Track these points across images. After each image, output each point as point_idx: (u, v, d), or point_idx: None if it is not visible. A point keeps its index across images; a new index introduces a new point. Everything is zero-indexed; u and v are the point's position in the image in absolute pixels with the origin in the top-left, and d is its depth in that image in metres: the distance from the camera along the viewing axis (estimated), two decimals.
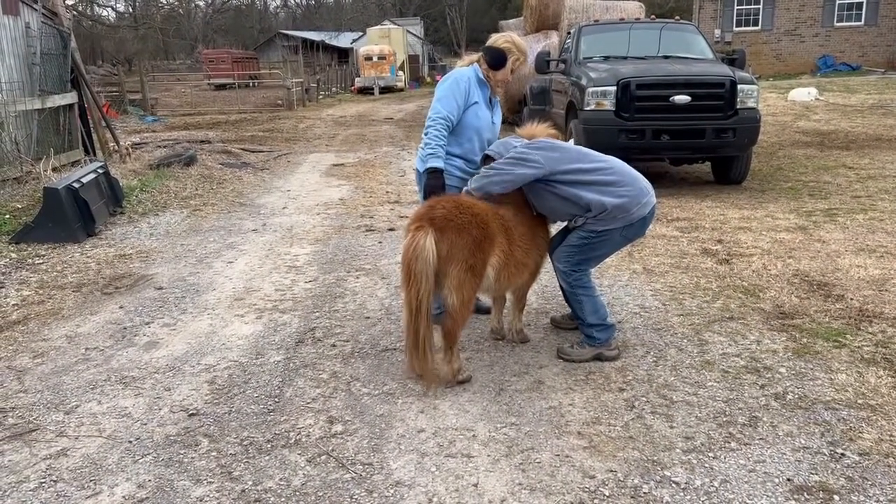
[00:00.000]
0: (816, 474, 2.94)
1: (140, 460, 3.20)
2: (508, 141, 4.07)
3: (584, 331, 4.09)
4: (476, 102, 4.23)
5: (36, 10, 10.37)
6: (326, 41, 53.91)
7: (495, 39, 4.33)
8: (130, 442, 3.36)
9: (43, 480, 3.07)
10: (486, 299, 4.82)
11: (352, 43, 50.42)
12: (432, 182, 4.09)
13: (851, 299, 4.89)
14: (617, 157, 4.06)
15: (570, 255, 4.02)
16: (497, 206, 3.87)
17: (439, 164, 4.10)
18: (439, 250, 3.49)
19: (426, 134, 4.16)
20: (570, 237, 4.03)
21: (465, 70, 4.30)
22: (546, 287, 5.39)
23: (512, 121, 16.13)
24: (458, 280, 3.55)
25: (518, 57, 4.26)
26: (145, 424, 3.52)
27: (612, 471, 3.01)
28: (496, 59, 4.24)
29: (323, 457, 3.19)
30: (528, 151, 3.83)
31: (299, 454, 3.22)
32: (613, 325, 4.14)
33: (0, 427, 3.53)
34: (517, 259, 3.87)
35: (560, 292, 5.27)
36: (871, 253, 5.91)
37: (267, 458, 3.19)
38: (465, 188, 4.05)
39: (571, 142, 4.59)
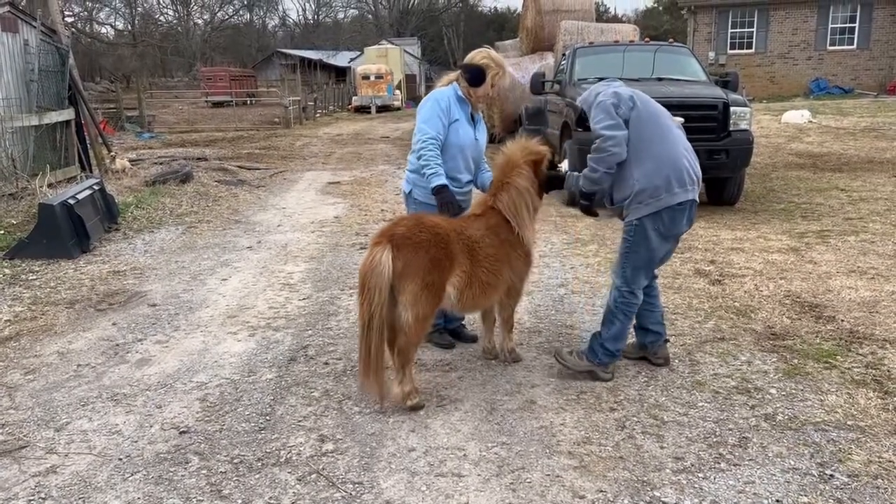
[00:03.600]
0: (806, 496, 2.95)
1: (130, 478, 3.19)
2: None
3: (593, 344, 4.09)
4: (457, 120, 4.26)
5: (35, 27, 10.44)
6: (324, 60, 54.17)
7: (472, 56, 4.36)
8: (120, 459, 3.35)
9: (31, 498, 3.06)
10: (471, 328, 4.84)
11: (349, 62, 50.72)
12: (442, 198, 4.10)
13: (842, 321, 4.91)
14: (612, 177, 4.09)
15: (623, 267, 4.02)
16: (464, 227, 3.92)
17: (442, 180, 4.12)
18: (395, 267, 3.54)
19: (421, 157, 4.17)
20: (619, 245, 4.10)
21: (444, 90, 4.33)
22: (539, 306, 5.41)
23: (507, 140, 16.22)
24: (413, 296, 3.59)
25: (497, 71, 4.26)
26: (136, 442, 3.52)
27: (602, 491, 3.01)
28: (475, 77, 4.25)
29: (313, 475, 3.18)
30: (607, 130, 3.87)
31: (290, 473, 3.21)
32: (620, 357, 4.17)
33: None
34: (481, 280, 3.89)
35: (554, 312, 5.29)
36: (862, 275, 5.94)
37: (257, 476, 3.19)
38: (576, 186, 4.11)
39: (565, 163, 4.60)
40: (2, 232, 7.47)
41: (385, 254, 3.53)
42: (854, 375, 4.05)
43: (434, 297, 3.68)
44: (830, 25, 27.86)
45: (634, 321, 4.30)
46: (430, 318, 3.78)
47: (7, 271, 6.53)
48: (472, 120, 4.41)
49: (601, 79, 9.61)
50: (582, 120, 4.34)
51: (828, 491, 2.97)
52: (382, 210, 9.61)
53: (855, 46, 27.84)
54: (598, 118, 3.92)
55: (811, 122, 17.88)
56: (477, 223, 4.01)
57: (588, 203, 4.12)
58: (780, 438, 3.40)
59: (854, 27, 27.70)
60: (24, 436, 3.60)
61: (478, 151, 4.45)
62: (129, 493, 3.08)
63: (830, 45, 28.06)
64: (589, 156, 3.95)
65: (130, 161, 12.82)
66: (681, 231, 4.07)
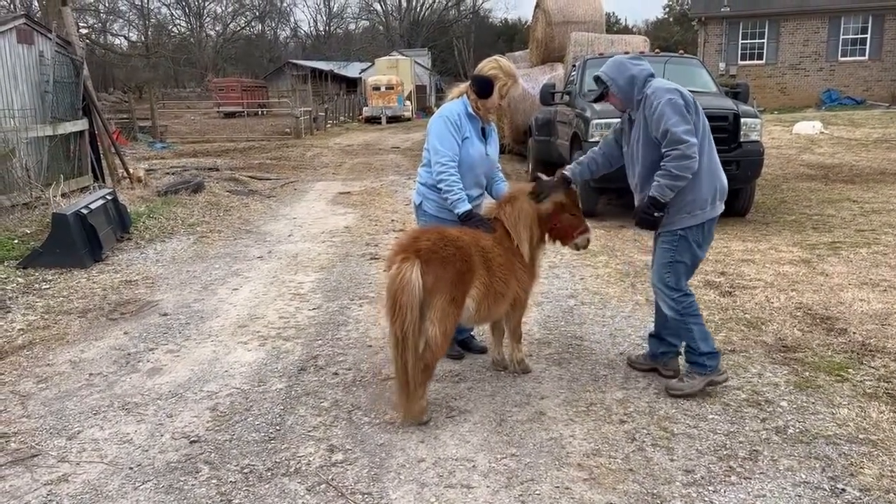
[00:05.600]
0: None
1: (140, 487, 3.21)
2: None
3: (695, 359, 3.99)
4: (467, 138, 4.24)
5: (50, 39, 10.56)
6: (335, 71, 54.46)
7: (481, 66, 4.31)
8: (131, 468, 3.37)
9: None
10: (480, 339, 4.84)
11: (360, 73, 50.97)
12: (472, 224, 4.09)
13: (854, 333, 4.88)
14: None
15: (667, 275, 3.97)
16: (479, 238, 3.93)
17: (467, 206, 4.14)
18: (425, 282, 3.51)
19: (441, 181, 4.15)
20: (658, 254, 4.03)
21: (454, 105, 4.28)
22: (548, 317, 5.40)
23: (518, 151, 16.25)
24: (442, 312, 3.57)
25: (505, 82, 4.20)
26: (147, 451, 3.54)
27: (611, 503, 3.00)
28: (483, 88, 4.21)
29: (322, 486, 3.19)
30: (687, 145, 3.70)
31: (299, 482, 3.22)
32: (720, 351, 4.10)
33: (2, 452, 3.55)
34: (496, 290, 3.90)
35: (564, 324, 5.28)
36: (874, 287, 5.91)
37: (267, 486, 3.20)
38: (654, 192, 3.81)
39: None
40: (16, 241, 7.54)
41: (415, 270, 3.49)
42: (866, 388, 4.03)
43: (458, 310, 3.68)
44: (842, 36, 27.80)
45: (656, 329, 4.30)
46: (454, 331, 3.79)
47: (21, 280, 6.58)
48: (483, 134, 4.38)
49: None
50: (602, 96, 4.11)
51: None
52: (392, 220, 9.64)
53: (866, 57, 27.76)
54: (672, 119, 3.74)
55: (823, 133, 17.82)
56: (486, 233, 4.03)
57: (662, 213, 3.88)
58: (792, 452, 3.38)
59: (866, 38, 27.62)
60: (37, 444, 3.63)
61: (488, 166, 4.42)
62: (139, 501, 3.10)
63: (842, 55, 27.99)
64: (670, 163, 3.72)
65: (145, 171, 12.92)
66: (712, 240, 4.09)
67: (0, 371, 4.61)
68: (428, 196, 4.39)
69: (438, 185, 4.19)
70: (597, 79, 4.10)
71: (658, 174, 3.80)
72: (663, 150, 3.78)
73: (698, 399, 3.95)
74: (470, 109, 4.28)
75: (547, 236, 4.28)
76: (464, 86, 4.40)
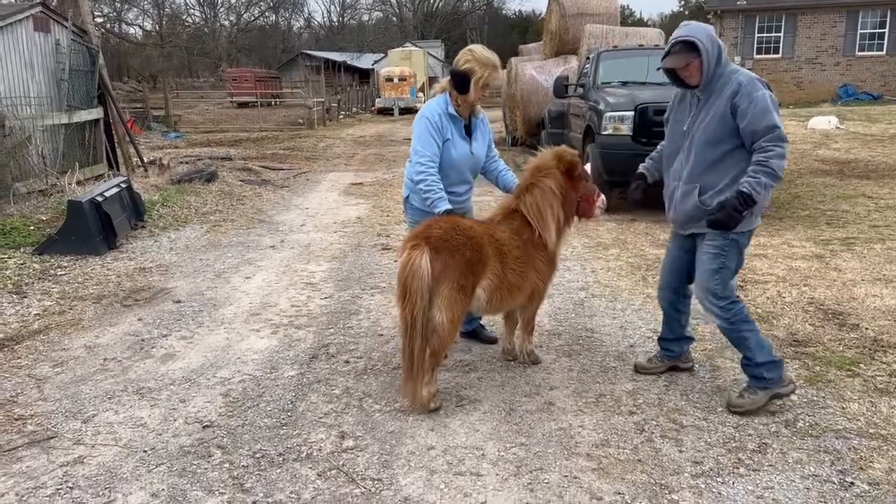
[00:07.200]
0: (825, 503, 2.93)
1: (154, 470, 3.26)
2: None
3: (752, 372, 3.71)
4: (448, 139, 4.20)
5: (66, 27, 10.63)
6: (348, 62, 54.46)
7: (457, 59, 4.21)
8: (145, 451, 3.42)
9: (59, 487, 3.13)
10: (491, 329, 4.86)
11: (373, 64, 50.94)
12: None
13: (866, 329, 4.87)
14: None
15: (716, 283, 3.70)
16: (493, 229, 3.94)
17: (445, 205, 4.10)
18: (433, 269, 3.56)
19: (420, 181, 4.12)
20: (703, 261, 3.75)
21: (435, 105, 4.22)
22: (559, 309, 5.42)
23: (530, 143, 16.22)
24: (449, 299, 3.61)
25: (481, 74, 4.11)
26: (160, 435, 3.58)
27: (619, 493, 3.02)
28: (460, 84, 4.14)
29: (333, 471, 3.22)
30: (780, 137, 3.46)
31: (310, 468, 3.26)
32: (782, 359, 3.77)
33: (19, 434, 3.61)
34: (510, 282, 3.92)
35: (574, 315, 5.29)
36: (887, 283, 5.88)
37: (278, 471, 3.24)
38: (748, 188, 3.47)
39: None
40: (32, 228, 7.61)
41: (424, 256, 3.55)
42: (877, 384, 4.02)
43: (467, 299, 3.71)
44: (859, 31, 27.50)
45: (674, 333, 4.21)
46: (461, 319, 3.82)
47: (36, 266, 6.66)
48: (469, 131, 4.32)
49: (625, 83, 9.64)
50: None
51: (848, 498, 2.96)
52: (404, 211, 9.63)
53: (884, 52, 27.44)
54: (777, 116, 3.46)
55: (838, 128, 17.65)
56: (503, 225, 4.04)
57: (750, 209, 3.57)
58: (801, 445, 3.38)
59: (884, 32, 27.31)
60: (53, 427, 3.68)
61: (475, 162, 4.39)
62: (153, 484, 3.15)
63: (859, 50, 27.68)
64: (774, 160, 3.43)
65: (160, 160, 12.99)
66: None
67: (17, 355, 4.67)
68: (414, 190, 4.42)
69: (418, 186, 4.17)
70: (691, 43, 3.53)
71: (755, 170, 3.46)
72: (764, 144, 3.45)
73: (707, 391, 3.96)
74: (451, 108, 4.21)
75: (574, 215, 4.25)
76: (445, 81, 4.33)
